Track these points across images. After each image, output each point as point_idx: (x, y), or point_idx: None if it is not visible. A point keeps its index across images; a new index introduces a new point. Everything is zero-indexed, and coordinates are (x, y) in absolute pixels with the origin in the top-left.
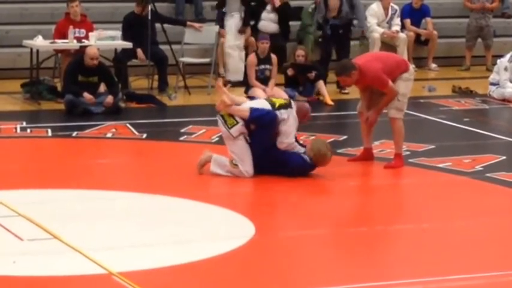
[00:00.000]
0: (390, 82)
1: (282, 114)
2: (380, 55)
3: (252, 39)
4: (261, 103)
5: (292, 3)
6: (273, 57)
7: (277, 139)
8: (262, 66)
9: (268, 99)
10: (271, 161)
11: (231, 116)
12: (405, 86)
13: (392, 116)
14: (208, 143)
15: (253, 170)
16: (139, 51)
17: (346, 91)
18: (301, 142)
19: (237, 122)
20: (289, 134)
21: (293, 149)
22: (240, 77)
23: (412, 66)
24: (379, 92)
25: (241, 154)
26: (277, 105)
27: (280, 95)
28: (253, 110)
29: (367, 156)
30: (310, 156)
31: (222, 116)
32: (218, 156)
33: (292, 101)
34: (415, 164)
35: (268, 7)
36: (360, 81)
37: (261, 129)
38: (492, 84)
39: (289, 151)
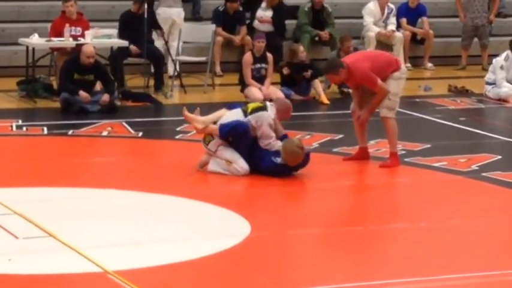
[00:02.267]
0: (379, 81)
1: (253, 119)
2: (369, 54)
3: (248, 38)
4: (236, 114)
5: (288, 2)
6: (269, 56)
7: (259, 141)
8: (258, 65)
9: (244, 107)
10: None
11: (208, 132)
12: (396, 85)
13: (384, 115)
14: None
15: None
16: (132, 46)
17: (346, 90)
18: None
19: (213, 138)
20: (267, 136)
21: (273, 147)
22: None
23: (405, 65)
24: (370, 91)
25: (231, 156)
26: (249, 110)
27: (277, 94)
28: (222, 127)
29: (363, 156)
30: (283, 156)
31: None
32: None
33: (268, 103)
34: (411, 163)
35: (263, 5)
36: (349, 80)
37: (236, 140)
38: (488, 83)
39: (267, 151)
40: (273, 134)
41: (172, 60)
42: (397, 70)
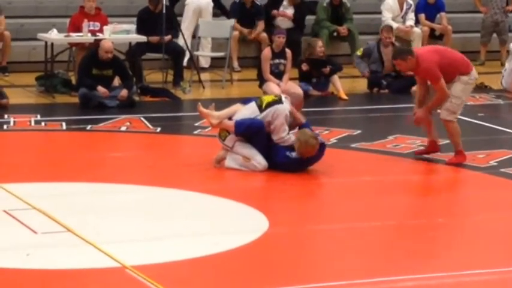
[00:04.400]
0: (443, 80)
1: (269, 113)
2: (441, 49)
3: (264, 34)
4: (250, 109)
5: None
6: (288, 51)
7: (272, 135)
8: (277, 61)
9: (258, 101)
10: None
11: (223, 128)
12: (461, 89)
13: (444, 118)
14: None
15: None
16: (151, 38)
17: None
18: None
19: (229, 133)
20: (280, 130)
21: (286, 141)
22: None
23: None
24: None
25: (249, 152)
26: (264, 105)
27: (295, 89)
28: (238, 125)
29: (433, 148)
30: (296, 148)
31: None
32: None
33: (283, 96)
34: (429, 159)
35: (285, 2)
36: (415, 71)
37: (252, 138)
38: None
39: (280, 145)
40: (287, 128)
41: (191, 54)
42: (466, 74)
